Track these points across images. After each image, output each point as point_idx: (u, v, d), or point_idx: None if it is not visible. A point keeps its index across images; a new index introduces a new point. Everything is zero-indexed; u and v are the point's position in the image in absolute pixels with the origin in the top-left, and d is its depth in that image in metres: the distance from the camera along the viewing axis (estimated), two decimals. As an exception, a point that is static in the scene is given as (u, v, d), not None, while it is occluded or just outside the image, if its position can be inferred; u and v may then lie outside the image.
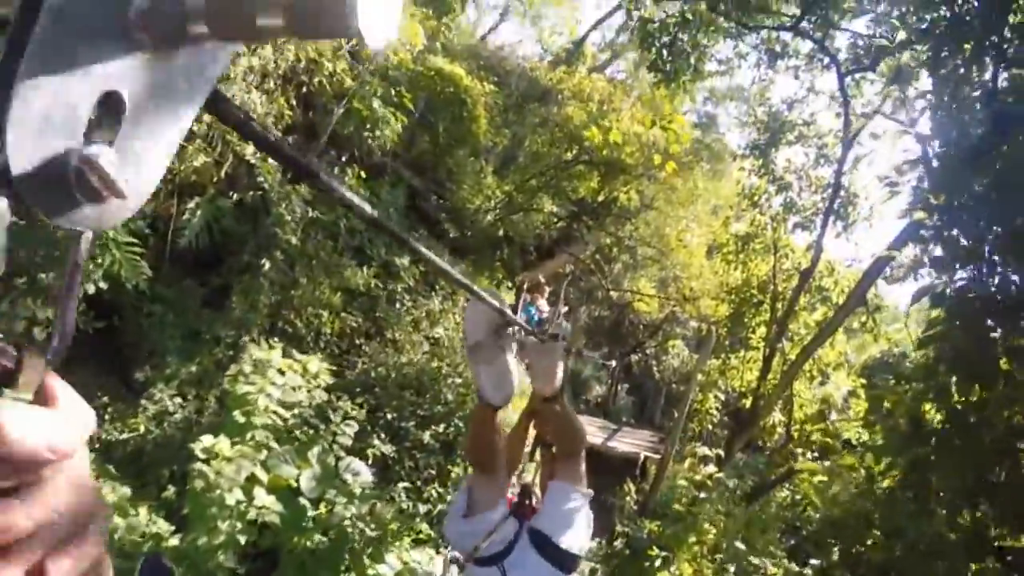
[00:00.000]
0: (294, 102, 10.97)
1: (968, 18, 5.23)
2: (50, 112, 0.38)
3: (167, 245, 8.30)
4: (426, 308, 11.16)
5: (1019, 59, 4.81)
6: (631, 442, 13.80)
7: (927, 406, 3.76)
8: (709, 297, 15.81)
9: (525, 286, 14.41)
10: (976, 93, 5.02)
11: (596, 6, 21.77)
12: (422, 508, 7.49)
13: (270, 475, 5.99)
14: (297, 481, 6.00)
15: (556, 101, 17.33)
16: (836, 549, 4.64)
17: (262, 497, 5.76)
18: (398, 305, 10.62)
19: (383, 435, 7.90)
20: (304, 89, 11.06)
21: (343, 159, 11.36)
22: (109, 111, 0.42)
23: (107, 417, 7.67)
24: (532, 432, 3.14)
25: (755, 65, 13.44)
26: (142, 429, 7.45)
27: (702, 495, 7.34)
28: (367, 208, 0.93)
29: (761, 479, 10.96)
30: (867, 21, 10.98)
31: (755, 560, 6.69)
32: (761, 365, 11.61)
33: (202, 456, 5.46)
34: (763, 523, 8.42)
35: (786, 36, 11.91)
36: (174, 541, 5.61)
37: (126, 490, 5.72)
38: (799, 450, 10.46)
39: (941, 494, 3.57)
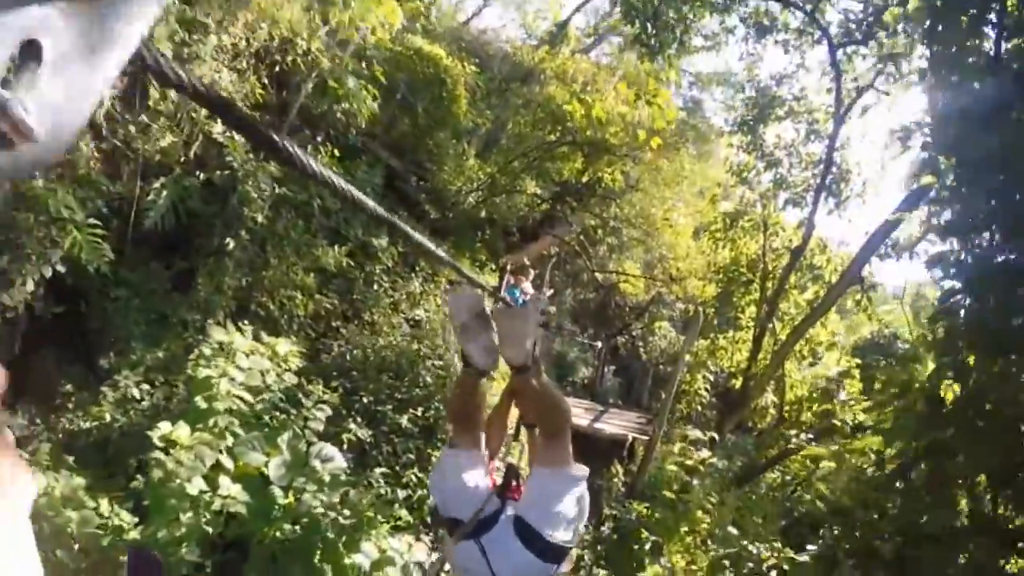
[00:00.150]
0: (266, 81, 10.62)
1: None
2: None
3: (130, 227, 7.93)
4: (406, 290, 10.86)
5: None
6: (618, 424, 13.55)
7: (944, 384, 3.49)
8: (696, 277, 15.58)
9: (508, 268, 14.13)
10: (974, 62, 4.78)
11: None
12: (401, 493, 7.20)
13: (237, 463, 5.70)
14: (266, 469, 5.69)
15: (539, 82, 16.98)
16: (843, 541, 4.37)
17: (228, 486, 5.47)
18: (376, 287, 10.31)
19: (359, 419, 7.59)
20: (277, 68, 10.70)
21: (317, 138, 10.99)
22: (27, 59, 0.41)
23: (70, 405, 7.34)
24: (515, 413, 3.17)
25: (743, 39, 13.12)
26: (107, 418, 7.10)
27: (695, 481, 7.05)
28: (343, 183, 0.94)
29: (751, 460, 10.77)
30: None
31: (749, 546, 6.42)
32: (751, 345, 11.38)
33: (160, 444, 5.14)
34: (756, 507, 8.23)
35: (775, 8, 11.60)
36: (135, 534, 5.31)
37: (79, 480, 5.38)
38: (792, 431, 10.24)
39: (961, 481, 3.30)
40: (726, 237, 12.75)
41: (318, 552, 5.49)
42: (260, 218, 7.70)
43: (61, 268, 6.89)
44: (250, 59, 10.07)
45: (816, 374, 12.94)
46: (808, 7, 10.82)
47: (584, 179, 16.72)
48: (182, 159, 8.49)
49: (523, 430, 3.30)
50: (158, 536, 5.17)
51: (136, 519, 5.57)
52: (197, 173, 8.45)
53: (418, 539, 6.97)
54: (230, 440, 5.78)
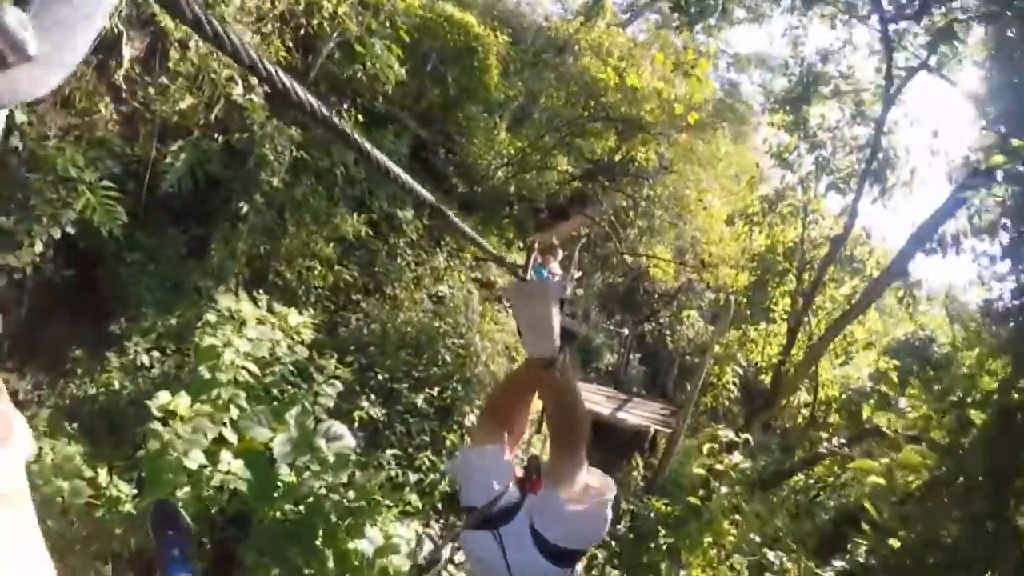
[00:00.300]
0: (291, 44, 10.33)
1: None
2: None
3: (144, 190, 7.66)
4: (430, 264, 10.54)
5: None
6: (641, 414, 13.18)
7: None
8: (728, 265, 15.01)
9: (536, 246, 13.75)
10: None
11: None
12: (412, 477, 6.91)
13: (241, 437, 5.44)
14: (271, 445, 5.42)
15: (573, 54, 16.46)
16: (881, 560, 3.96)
17: (229, 461, 5.20)
18: (399, 260, 9.98)
19: (373, 397, 7.28)
20: (302, 32, 10.41)
21: (344, 105, 10.65)
22: None
23: (79, 371, 7.14)
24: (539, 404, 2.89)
25: (788, 10, 12.40)
26: (116, 385, 6.88)
27: (723, 488, 6.57)
28: (372, 149, 0.94)
29: (777, 462, 10.31)
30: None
31: (770, 554, 6.05)
32: (784, 340, 10.85)
33: (158, 414, 4.87)
34: (778, 510, 7.86)
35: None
36: (129, 506, 5.07)
37: (75, 448, 5.15)
38: (823, 434, 9.73)
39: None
40: (763, 222, 12.17)
41: (319, 535, 5.23)
42: (276, 182, 7.37)
43: (71, 230, 6.65)
44: (275, 22, 9.79)
45: (845, 375, 12.42)
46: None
47: (617, 158, 16.23)
48: (202, 122, 8.21)
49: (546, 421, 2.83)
50: (153, 510, 4.91)
51: (136, 491, 5.34)
52: (216, 136, 8.17)
53: (427, 525, 6.69)
54: (235, 413, 5.51)
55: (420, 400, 7.56)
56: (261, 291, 7.02)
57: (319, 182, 8.60)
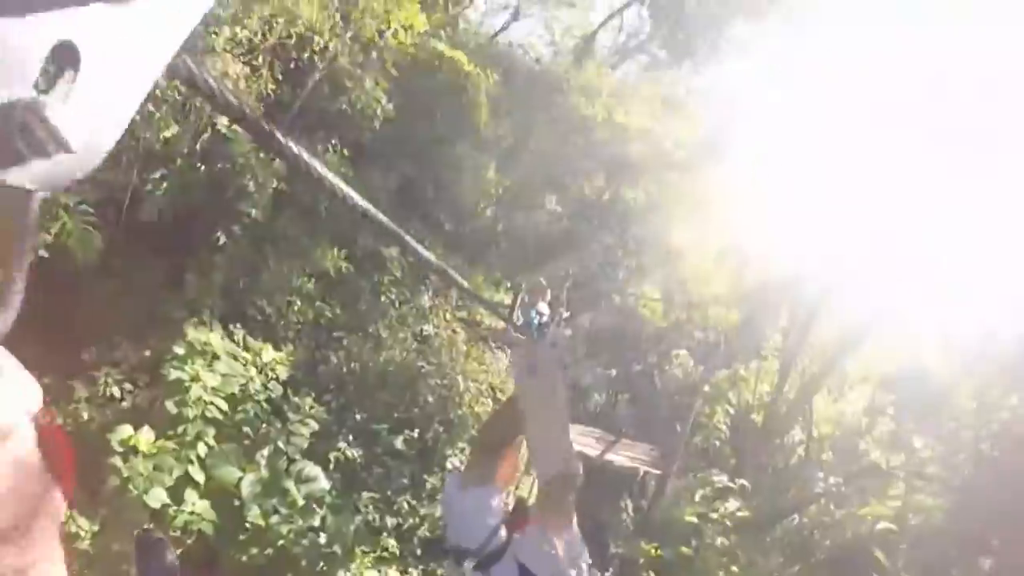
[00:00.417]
0: (280, 77, 10.27)
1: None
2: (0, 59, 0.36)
3: (123, 214, 7.47)
4: (415, 303, 10.33)
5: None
6: (630, 455, 12.87)
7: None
8: (718, 304, 14.82)
9: (523, 286, 13.60)
10: None
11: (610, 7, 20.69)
12: (391, 521, 6.60)
13: (209, 477, 5.17)
14: (239, 485, 5.15)
15: (563, 92, 16.52)
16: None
17: (194, 502, 4.93)
18: (383, 298, 9.77)
19: (352, 438, 7.00)
20: (293, 65, 10.36)
21: (332, 140, 10.55)
22: (62, 61, 0.39)
23: (47, 400, 6.82)
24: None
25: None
26: (84, 416, 6.59)
27: (718, 539, 5.97)
28: (352, 193, 0.90)
29: (771, 504, 10.02)
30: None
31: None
32: (776, 377, 10.65)
33: (119, 449, 4.62)
34: (772, 551, 7.55)
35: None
36: (87, 544, 4.77)
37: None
38: (820, 473, 9.45)
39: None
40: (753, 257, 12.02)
41: (289, 582, 4.94)
42: (255, 213, 7.19)
43: (45, 254, 6.44)
44: (265, 54, 9.73)
45: (838, 411, 12.19)
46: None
47: (605, 197, 16.16)
48: (186, 151, 8.06)
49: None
50: (113, 548, 4.64)
51: (96, 527, 5.04)
52: (199, 166, 8.01)
53: (406, 572, 6.36)
54: (203, 450, 5.26)
55: (400, 442, 7.28)
56: (238, 325, 6.82)
57: (302, 217, 8.43)
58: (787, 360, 10.48)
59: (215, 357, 5.28)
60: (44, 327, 7.23)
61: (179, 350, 5.16)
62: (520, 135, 16.65)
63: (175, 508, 4.87)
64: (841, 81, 12.25)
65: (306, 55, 10.07)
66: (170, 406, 4.99)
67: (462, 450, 7.81)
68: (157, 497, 4.75)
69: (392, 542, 6.36)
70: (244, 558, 4.90)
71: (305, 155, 0.82)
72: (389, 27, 10.63)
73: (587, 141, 15.18)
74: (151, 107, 7.64)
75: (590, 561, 2.17)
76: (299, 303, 8.26)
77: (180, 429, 4.99)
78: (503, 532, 2.29)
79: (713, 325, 14.82)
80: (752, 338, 12.26)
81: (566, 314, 15.11)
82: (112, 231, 7.33)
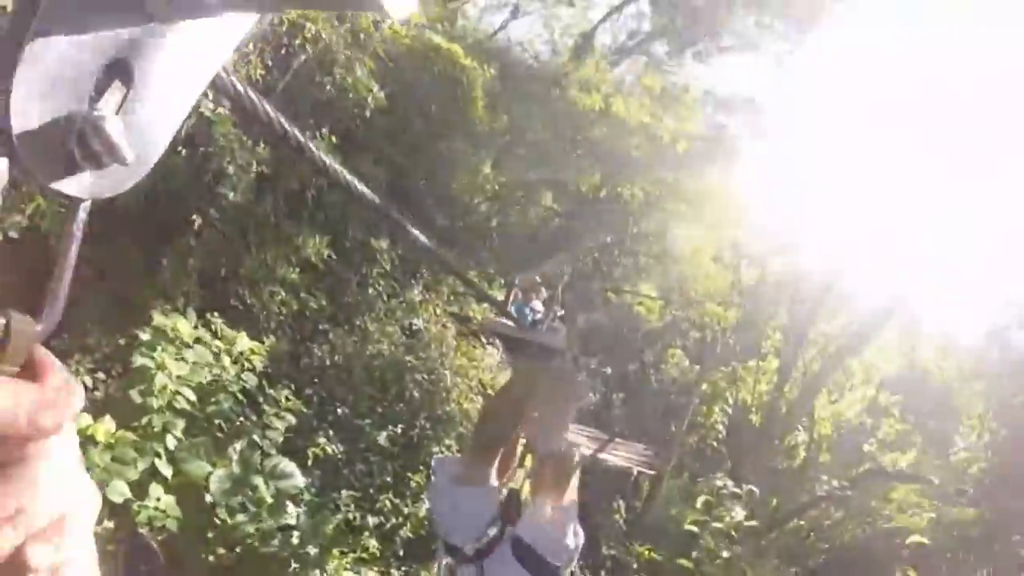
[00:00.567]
0: (270, 63, 10.02)
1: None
2: (58, 74, 0.39)
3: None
4: (405, 296, 10.04)
5: None
6: (624, 455, 12.60)
7: None
8: (715, 302, 14.54)
9: (516, 282, 13.32)
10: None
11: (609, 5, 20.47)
12: (372, 521, 6.30)
13: (176, 471, 4.88)
14: (208, 481, 4.86)
15: (561, 86, 16.26)
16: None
17: (159, 497, 4.65)
18: (371, 290, 9.47)
19: (332, 433, 6.70)
20: (283, 51, 10.11)
21: (322, 128, 10.27)
22: (117, 78, 0.42)
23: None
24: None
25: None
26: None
27: (724, 552, 5.43)
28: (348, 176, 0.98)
29: (771, 507, 9.72)
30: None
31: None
32: (775, 376, 10.35)
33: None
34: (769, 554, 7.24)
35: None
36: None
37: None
38: (823, 476, 9.15)
39: None
40: (753, 255, 11.74)
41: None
42: (233, 196, 6.87)
43: (15, 235, 6.16)
44: (255, 40, 9.48)
45: (837, 412, 11.93)
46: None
47: (602, 193, 15.88)
48: (169, 134, 7.78)
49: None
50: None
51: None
52: (180, 149, 7.72)
53: (387, 574, 6.07)
54: (172, 443, 4.97)
55: (383, 438, 6.98)
56: (215, 314, 6.53)
57: (288, 203, 8.14)
58: (787, 359, 10.18)
59: (185, 345, 4.98)
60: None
61: (145, 336, 4.86)
62: (516, 131, 16.38)
63: (139, 503, 4.57)
64: (843, 74, 12.01)
65: (297, 41, 9.84)
66: (135, 395, 4.70)
67: (448, 447, 7.52)
68: (118, 491, 4.46)
69: (373, 542, 6.07)
70: (211, 558, 4.61)
71: (344, 173, 0.88)
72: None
73: (584, 137, 14.94)
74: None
75: (582, 540, 2.42)
76: (283, 293, 7.96)
77: (145, 420, 4.69)
78: (498, 524, 2.40)
79: (710, 323, 14.55)
80: (750, 336, 11.97)
81: (560, 312, 14.84)
82: (88, 215, 7.04)
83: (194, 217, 6.62)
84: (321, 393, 7.10)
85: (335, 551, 5.23)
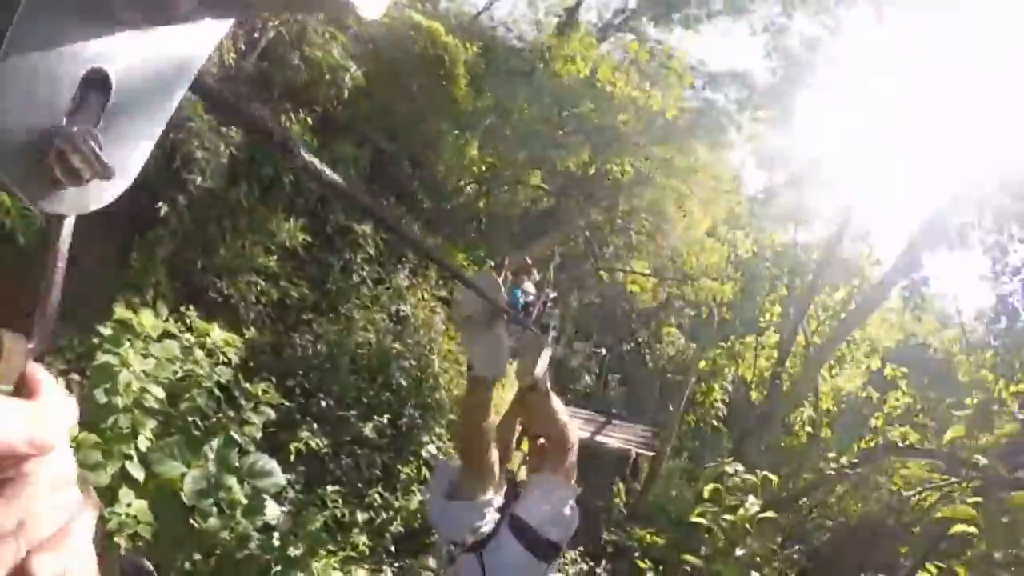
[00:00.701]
0: (243, 47, 9.67)
1: None
2: (32, 90, 0.38)
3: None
4: (391, 282, 9.72)
5: None
6: (622, 437, 12.40)
7: None
8: (711, 277, 14.23)
9: (506, 263, 13.05)
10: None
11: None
12: (361, 516, 6.03)
13: (152, 474, 4.60)
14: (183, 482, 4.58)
15: (545, 61, 15.87)
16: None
17: (130, 503, 4.36)
18: (354, 277, 9.15)
19: (316, 426, 6.40)
20: (256, 35, 9.78)
21: (300, 112, 9.92)
22: (94, 90, 0.41)
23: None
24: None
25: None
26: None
27: (737, 551, 4.81)
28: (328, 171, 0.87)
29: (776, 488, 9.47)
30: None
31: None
32: (777, 351, 10.06)
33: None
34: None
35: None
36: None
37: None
38: (831, 454, 8.86)
39: None
40: (750, 226, 11.41)
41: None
42: (202, 181, 6.53)
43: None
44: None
45: (836, 386, 11.71)
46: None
47: (591, 171, 15.56)
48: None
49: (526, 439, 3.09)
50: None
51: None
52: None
53: (379, 571, 5.81)
54: (145, 444, 4.68)
55: (370, 429, 6.69)
56: (191, 307, 6.22)
57: (263, 189, 7.80)
58: (788, 333, 9.89)
59: (151, 339, 4.68)
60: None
61: (105, 331, 4.55)
62: (502, 110, 16.02)
63: (108, 510, 4.28)
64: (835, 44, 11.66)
65: (271, 23, 9.54)
66: (99, 394, 4.39)
67: (439, 436, 7.26)
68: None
69: (363, 539, 5.81)
70: (187, 565, 4.34)
71: (328, 171, 0.84)
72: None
73: (571, 113, 14.60)
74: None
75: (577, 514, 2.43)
76: (262, 283, 7.65)
77: (111, 420, 4.39)
78: (495, 516, 2.42)
79: (706, 299, 14.27)
80: (749, 311, 11.69)
81: (553, 294, 14.55)
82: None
83: (160, 205, 6.27)
84: (304, 384, 6.80)
85: (322, 551, 4.96)
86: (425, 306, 9.60)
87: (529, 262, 13.53)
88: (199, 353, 5.19)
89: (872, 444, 8.30)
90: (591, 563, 7.69)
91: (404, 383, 7.37)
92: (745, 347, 11.96)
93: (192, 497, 4.43)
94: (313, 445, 6.13)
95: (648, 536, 8.06)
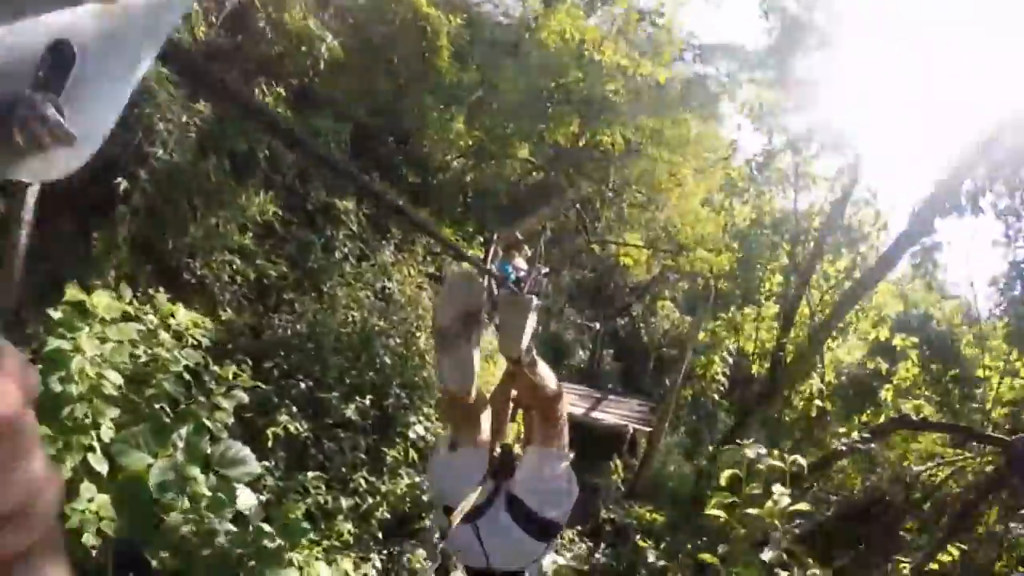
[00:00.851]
0: (215, 19, 9.30)
1: None
2: None
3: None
4: (375, 259, 9.38)
5: None
6: (618, 412, 12.17)
7: None
8: (707, 247, 13.87)
9: (495, 238, 12.71)
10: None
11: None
12: (346, 503, 5.74)
13: (115, 466, 4.29)
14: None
15: (531, 31, 15.43)
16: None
17: (91, 497, 4.06)
18: (337, 254, 8.80)
19: (296, 409, 6.08)
20: (227, 5, 9.41)
21: (273, 84, 9.51)
22: (58, 59, 0.41)
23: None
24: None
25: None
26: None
27: (767, 553, 4.06)
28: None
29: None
30: None
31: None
32: (780, 322, 9.71)
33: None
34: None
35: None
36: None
37: None
38: (840, 430, 8.54)
39: None
40: (748, 191, 11.02)
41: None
42: (163, 153, 6.14)
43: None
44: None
45: (836, 358, 11.45)
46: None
47: (581, 143, 15.17)
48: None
49: (520, 412, 3.09)
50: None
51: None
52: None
53: (366, 559, 5.53)
54: (108, 435, 4.37)
55: (352, 410, 6.37)
56: (160, 289, 5.86)
57: (235, 165, 7.42)
58: (790, 303, 9.55)
59: (106, 322, 4.34)
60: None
61: (55, 314, 4.21)
62: (487, 82, 15.59)
63: (69, 506, 3.98)
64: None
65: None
66: (53, 383, 4.06)
67: (427, 416, 6.95)
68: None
69: (348, 526, 5.52)
70: (155, 563, 4.04)
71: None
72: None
73: (559, 84, 14.20)
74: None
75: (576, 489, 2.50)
76: (238, 261, 7.30)
77: (68, 410, 4.07)
78: (491, 483, 2.44)
79: (702, 271, 13.93)
80: (748, 281, 11.37)
81: (545, 270, 14.23)
82: (14, 191, 6.33)
83: (119, 180, 5.89)
84: (283, 366, 6.47)
85: (303, 541, 4.67)
86: (412, 282, 9.26)
87: (519, 237, 13.17)
88: (165, 336, 4.87)
89: (881, 418, 8.06)
90: (590, 543, 7.45)
91: (389, 362, 7.04)
92: (744, 319, 11.64)
93: (158, 489, 4.13)
94: (293, 429, 5.81)
95: (648, 514, 7.81)
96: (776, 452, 4.42)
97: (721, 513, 4.32)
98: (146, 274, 6.67)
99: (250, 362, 5.88)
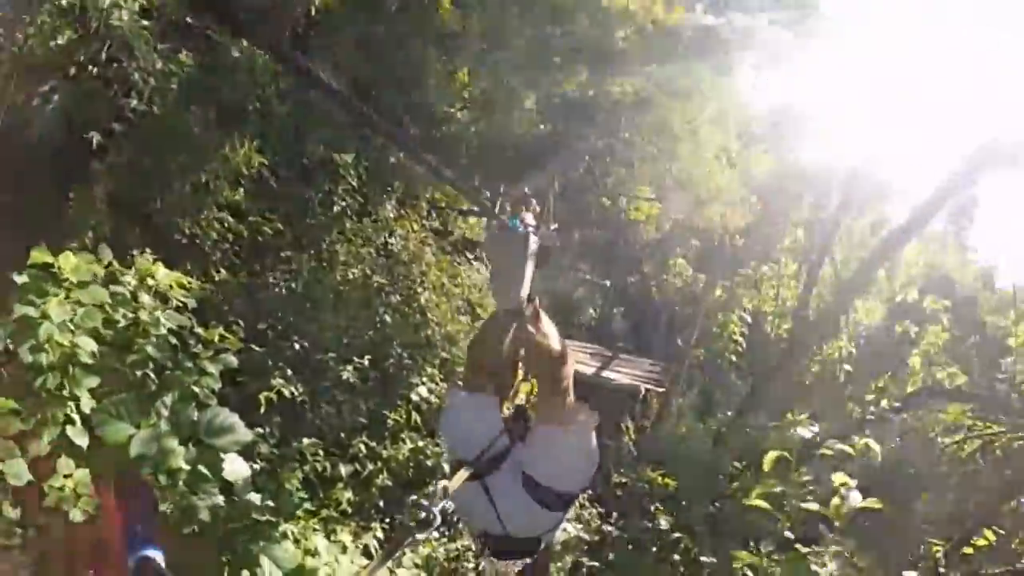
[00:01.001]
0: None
1: None
2: None
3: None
4: (377, 214, 9.03)
5: None
6: (629, 372, 11.87)
7: None
8: (721, 202, 13.34)
9: (502, 191, 12.33)
10: None
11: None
12: (345, 470, 5.49)
13: (96, 438, 4.03)
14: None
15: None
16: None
17: (70, 472, 3.82)
18: (336, 209, 8.44)
19: (291, 372, 5.81)
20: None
21: (264, 37, 9.02)
22: None
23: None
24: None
25: None
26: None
27: (829, 566, 3.58)
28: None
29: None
30: None
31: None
32: (799, 281, 9.28)
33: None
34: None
35: None
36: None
37: None
38: (869, 397, 8.15)
39: None
40: (767, 142, 10.50)
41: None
42: (138, 103, 5.74)
43: None
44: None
45: (854, 319, 11.04)
46: None
47: (591, 93, 14.62)
48: (82, 58, 6.56)
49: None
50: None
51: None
52: (92, 70, 6.52)
53: (367, 529, 5.29)
54: (90, 406, 4.10)
55: (348, 372, 6.09)
56: (148, 250, 5.54)
57: (224, 118, 7.01)
58: (814, 260, 9.09)
59: (75, 285, 4.03)
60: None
61: (21, 279, 3.90)
62: (491, 32, 15.01)
63: (47, 484, 3.75)
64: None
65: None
66: (24, 353, 3.78)
67: (431, 376, 6.68)
68: (15, 470, 3.63)
69: (347, 494, 5.29)
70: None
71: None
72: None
73: (566, 32, 13.61)
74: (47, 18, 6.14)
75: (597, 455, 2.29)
76: (230, 219, 6.96)
77: (40, 381, 3.79)
78: (503, 440, 2.26)
79: (716, 226, 13.44)
80: (766, 237, 10.90)
81: (554, 225, 13.84)
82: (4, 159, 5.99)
83: (92, 135, 5.51)
84: (278, 327, 6.18)
85: (299, 512, 4.43)
86: (416, 238, 8.93)
87: (528, 192, 12.78)
88: (146, 298, 4.56)
89: (911, 385, 7.70)
90: (600, 509, 7.19)
91: (389, 320, 6.74)
92: (761, 278, 11.17)
93: (135, 463, 3.87)
94: (287, 393, 5.54)
95: (660, 478, 7.56)
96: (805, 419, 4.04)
97: (766, 505, 3.87)
98: (133, 236, 6.35)
99: (242, 323, 5.57)
